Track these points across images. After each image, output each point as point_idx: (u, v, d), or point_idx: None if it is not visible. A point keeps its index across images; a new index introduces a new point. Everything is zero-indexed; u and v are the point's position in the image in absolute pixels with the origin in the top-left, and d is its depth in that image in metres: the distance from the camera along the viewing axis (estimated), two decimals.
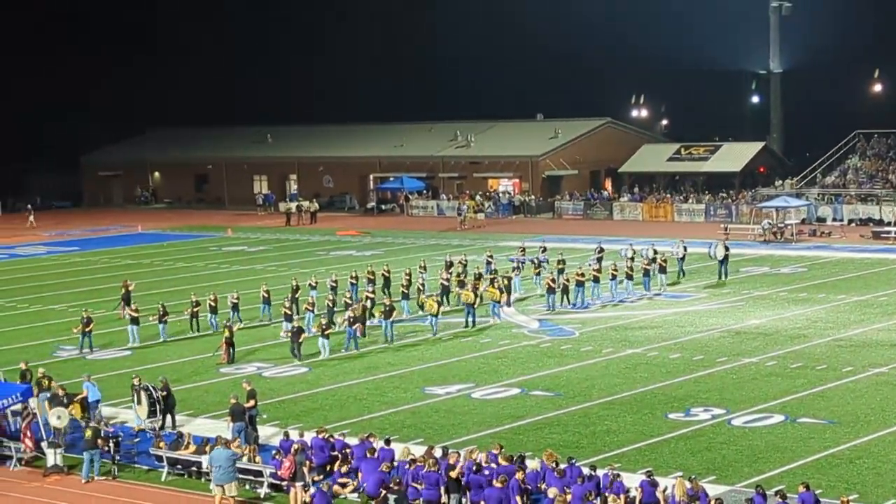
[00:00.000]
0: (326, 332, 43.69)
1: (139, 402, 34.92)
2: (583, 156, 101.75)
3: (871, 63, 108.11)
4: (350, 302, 49.05)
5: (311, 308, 47.79)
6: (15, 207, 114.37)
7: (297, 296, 50.17)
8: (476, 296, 48.92)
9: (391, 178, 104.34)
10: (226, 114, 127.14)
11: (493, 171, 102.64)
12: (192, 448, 30.38)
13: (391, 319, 46.04)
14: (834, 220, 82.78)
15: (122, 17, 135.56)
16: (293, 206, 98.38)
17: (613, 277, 54.29)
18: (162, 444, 31.04)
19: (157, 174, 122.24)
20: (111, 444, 31.31)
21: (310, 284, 53.21)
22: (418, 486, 27.03)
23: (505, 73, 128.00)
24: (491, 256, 61.50)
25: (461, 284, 52.32)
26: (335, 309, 48.42)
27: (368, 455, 28.71)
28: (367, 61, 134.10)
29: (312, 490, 27.07)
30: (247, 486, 29.26)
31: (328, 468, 29.43)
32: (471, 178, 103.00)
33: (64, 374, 39.89)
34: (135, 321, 46.74)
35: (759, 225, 77.23)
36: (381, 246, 77.49)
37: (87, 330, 45.15)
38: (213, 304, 48.66)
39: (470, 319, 48.36)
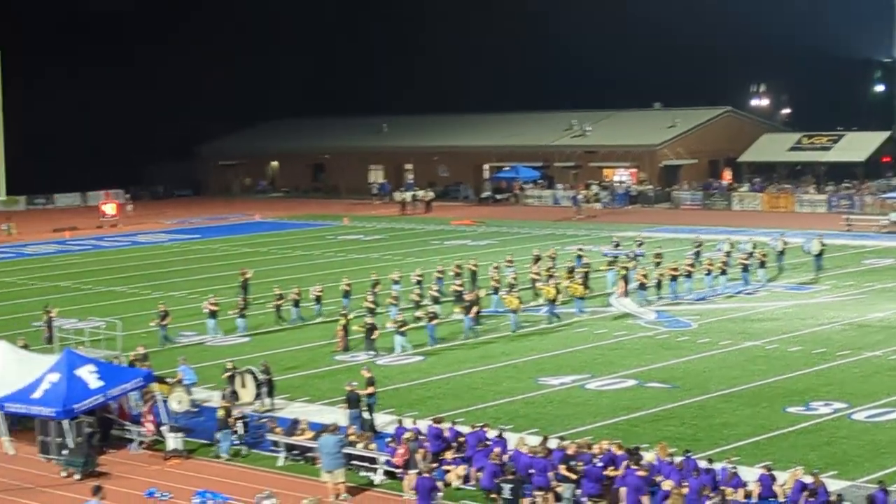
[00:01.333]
0: (402, 329, 42.80)
1: (243, 385, 35.35)
2: (701, 145, 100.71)
3: None
4: (437, 295, 48.93)
5: (394, 302, 47.04)
6: (137, 196, 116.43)
7: (376, 290, 49.28)
8: (557, 291, 48.06)
9: (506, 168, 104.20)
10: (342, 103, 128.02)
11: (610, 160, 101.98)
12: (309, 434, 30.61)
13: (471, 314, 45.07)
14: None
15: (240, 6, 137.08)
16: (408, 195, 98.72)
17: (708, 273, 53.04)
18: (278, 429, 31.31)
19: (274, 163, 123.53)
20: (240, 425, 31.98)
21: (392, 279, 52.50)
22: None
23: (622, 61, 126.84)
24: (581, 250, 59.69)
25: (544, 280, 51.04)
26: (421, 303, 47.69)
27: (480, 447, 28.71)
28: (482, 50, 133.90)
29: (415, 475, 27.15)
30: (361, 473, 29.41)
31: (441, 457, 29.43)
32: (586, 167, 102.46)
33: (173, 360, 40.35)
34: (213, 315, 46.29)
35: (884, 216, 75.76)
36: (495, 235, 77.42)
37: (163, 323, 44.53)
38: (296, 297, 48.24)
39: (551, 315, 47.23)
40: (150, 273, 65.07)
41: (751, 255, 55.85)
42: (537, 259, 56.64)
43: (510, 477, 26.33)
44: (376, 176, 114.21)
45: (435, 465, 28.90)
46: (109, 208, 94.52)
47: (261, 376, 35.44)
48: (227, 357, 39.25)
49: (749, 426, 32.66)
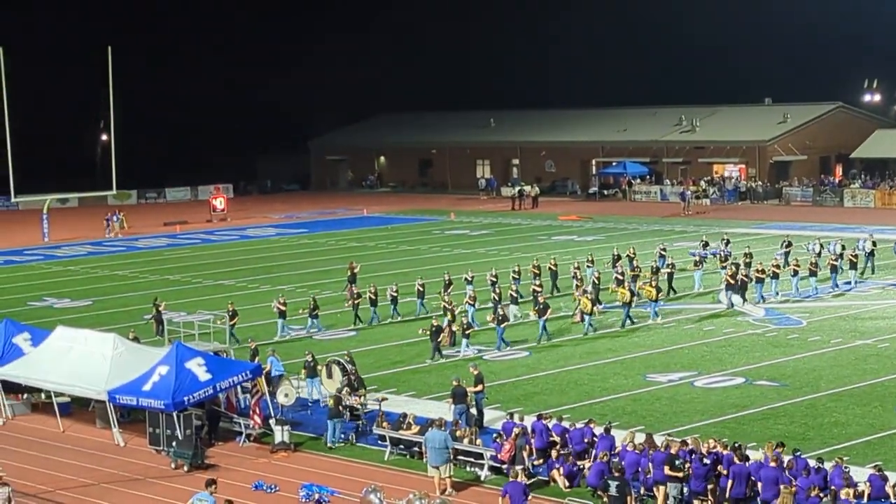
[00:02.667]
0: (467, 332, 42.33)
1: (329, 376, 35.62)
2: (812, 141, 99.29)
3: None
4: (515, 295, 47.99)
5: (472, 302, 46.28)
6: (246, 191, 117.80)
7: (450, 290, 48.29)
8: (632, 294, 46.89)
9: (613, 163, 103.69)
10: (450, 98, 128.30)
11: (719, 156, 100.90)
12: (415, 429, 30.72)
13: (545, 318, 43.82)
14: None
15: (348, 3, 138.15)
16: (515, 190, 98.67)
17: (795, 273, 51.66)
18: (385, 423, 31.48)
19: (382, 158, 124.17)
20: (348, 414, 32.71)
21: (465, 279, 51.17)
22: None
23: (732, 56, 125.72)
24: (664, 250, 57.64)
25: (618, 282, 49.38)
26: (501, 303, 46.65)
27: (587, 443, 28.64)
28: (589, 45, 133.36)
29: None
30: (467, 469, 29.46)
31: (547, 453, 29.36)
32: (695, 163, 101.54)
33: (291, 353, 40.78)
34: (282, 314, 46.17)
35: None
36: (602, 231, 77.08)
37: (232, 323, 43.54)
38: (372, 296, 47.91)
39: (626, 319, 46.03)
40: (258, 267, 65.79)
41: (840, 255, 54.49)
42: (617, 258, 55.39)
43: (616, 475, 26.21)
44: (483, 171, 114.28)
45: (540, 461, 28.87)
46: (219, 202, 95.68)
47: (348, 366, 35.67)
48: (333, 352, 39.52)
49: (860, 426, 32.19)
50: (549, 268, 53.25)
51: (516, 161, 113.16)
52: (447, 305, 45.10)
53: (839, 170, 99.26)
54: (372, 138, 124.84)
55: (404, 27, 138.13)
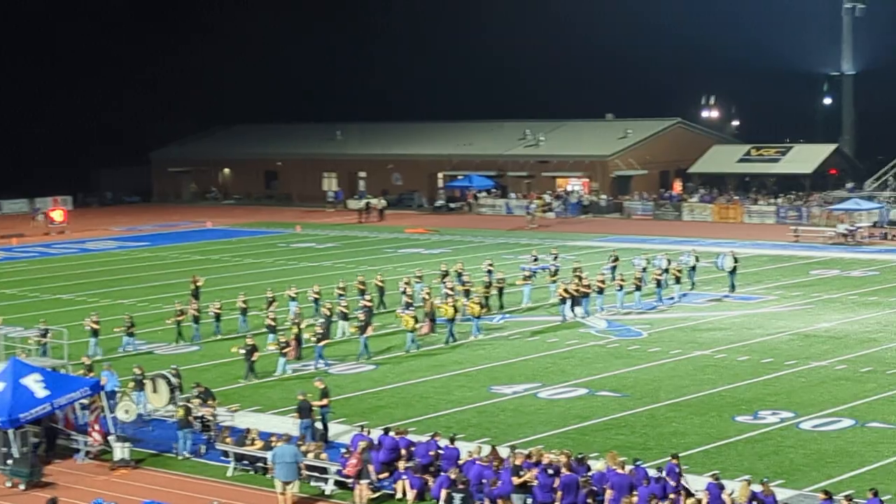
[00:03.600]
0: (285, 351, 41.19)
1: (155, 390, 35.29)
2: (652, 156, 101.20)
3: None
4: (347, 312, 46.83)
5: (328, 313, 45.22)
6: (85, 202, 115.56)
7: (272, 307, 47.26)
8: (455, 310, 45.86)
9: (460, 177, 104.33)
10: (297, 111, 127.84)
11: (562, 170, 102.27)
12: (259, 444, 30.50)
13: (365, 335, 43.31)
14: None
15: (196, 15, 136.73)
16: (362, 203, 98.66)
17: (620, 288, 51.60)
18: (228, 439, 31.20)
19: (226, 170, 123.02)
20: (199, 424, 32.59)
21: (289, 296, 49.77)
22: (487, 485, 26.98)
23: (575, 72, 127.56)
24: (491, 265, 56.48)
25: (444, 297, 48.48)
26: (332, 319, 45.44)
27: (432, 455, 28.74)
28: (437, 59, 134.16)
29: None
30: (311, 483, 29.34)
31: (393, 467, 29.37)
32: (539, 176, 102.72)
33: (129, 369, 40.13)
34: (95, 333, 45.00)
35: (831, 228, 76.50)
36: (448, 244, 77.47)
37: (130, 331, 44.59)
38: (217, 311, 47.50)
39: (449, 336, 45.31)
40: (98, 281, 64.64)
41: (666, 270, 54.53)
42: (445, 274, 54.13)
43: (461, 487, 26.35)
44: (330, 184, 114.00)
45: (386, 474, 28.88)
46: (57, 215, 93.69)
47: (174, 380, 35.41)
48: (180, 365, 39.00)
49: (698, 435, 32.87)
50: (376, 284, 52.28)
51: (363, 174, 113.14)
52: (271, 322, 44.46)
53: (678, 184, 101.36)
54: (216, 150, 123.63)
55: (251, 38, 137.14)
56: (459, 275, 53.99)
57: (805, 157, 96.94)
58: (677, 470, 26.61)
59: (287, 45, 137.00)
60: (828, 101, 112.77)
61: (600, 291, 51.08)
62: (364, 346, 43.26)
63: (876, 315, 49.69)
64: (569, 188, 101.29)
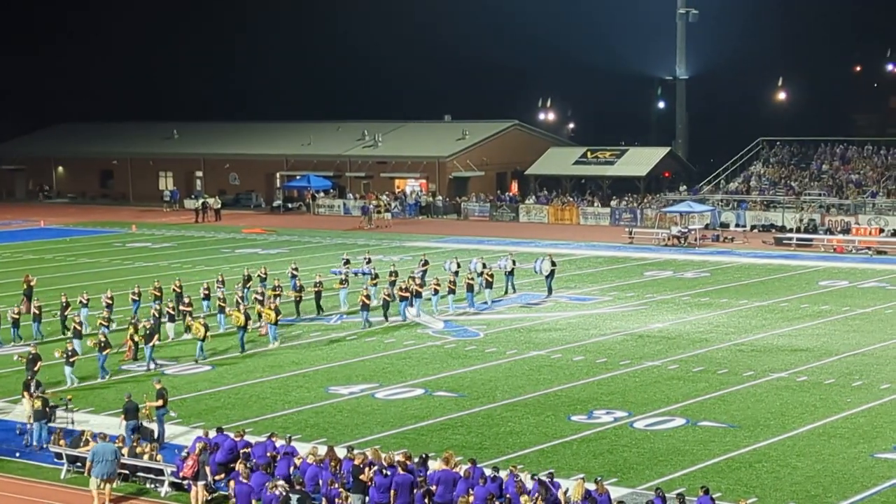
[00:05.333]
0: (72, 360, 38.96)
1: None
2: (490, 157, 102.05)
3: (775, 71, 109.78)
4: (135, 319, 44.93)
5: (105, 324, 43.32)
6: None
7: (66, 313, 46.44)
8: (247, 318, 44.38)
9: (298, 177, 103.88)
10: (132, 109, 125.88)
11: (400, 171, 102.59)
12: (93, 444, 30.01)
13: (151, 344, 41.53)
14: (737, 225, 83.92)
15: (32, 7, 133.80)
16: (198, 202, 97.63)
17: (435, 292, 51.66)
18: (62, 441, 30.64)
19: (60, 169, 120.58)
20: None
21: (81, 301, 47.69)
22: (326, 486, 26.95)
23: (413, 73, 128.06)
24: (296, 269, 55.88)
25: (236, 304, 47.33)
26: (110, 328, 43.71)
27: (269, 456, 28.60)
28: (273, 59, 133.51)
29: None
30: (147, 485, 29.00)
31: (230, 467, 29.15)
32: (378, 177, 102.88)
33: None
34: (37, 319, 46.26)
35: (664, 230, 78.10)
36: (286, 244, 77.12)
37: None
38: (36, 311, 46.57)
39: (242, 345, 44.01)
40: None
41: (480, 274, 54.28)
42: (248, 279, 52.79)
43: (298, 488, 26.28)
44: (166, 183, 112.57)
45: (222, 475, 28.64)
46: None
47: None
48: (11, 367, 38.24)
49: (534, 434, 33.26)
50: (174, 290, 50.16)
51: (200, 173, 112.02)
52: (77, 326, 43.06)
53: (515, 186, 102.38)
54: (50, 148, 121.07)
55: (86, 34, 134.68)
56: (262, 279, 53.12)
57: (639, 160, 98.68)
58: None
59: (126, 42, 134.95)
60: (661, 104, 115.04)
61: (418, 295, 50.54)
62: (149, 356, 41.51)
63: (707, 315, 50.86)
64: (407, 189, 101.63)
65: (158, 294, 49.96)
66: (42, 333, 46.70)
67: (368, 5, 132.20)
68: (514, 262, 57.94)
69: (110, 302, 47.76)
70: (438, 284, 52.62)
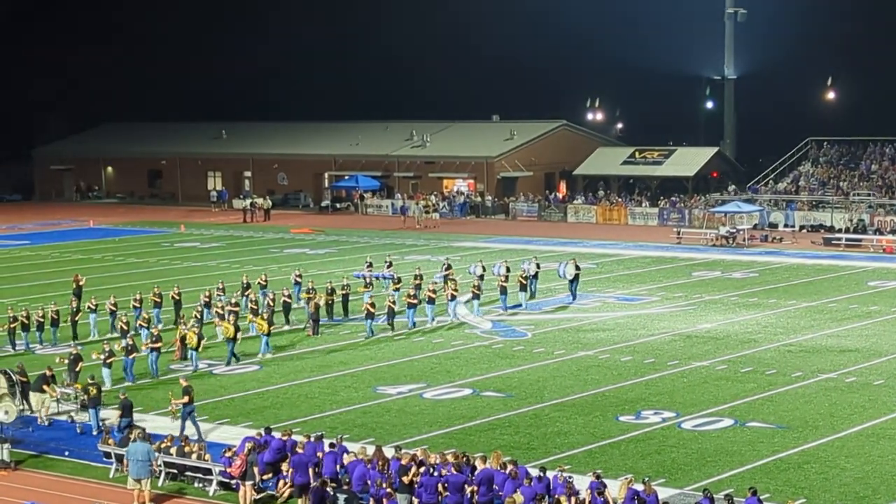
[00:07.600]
0: (109, 361, 38.70)
1: None
2: (538, 158, 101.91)
3: (824, 71, 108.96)
4: (126, 327, 44.11)
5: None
6: None
7: (77, 318, 46.52)
8: (237, 329, 42.88)
9: (346, 177, 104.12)
10: (181, 109, 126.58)
11: (448, 171, 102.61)
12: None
13: (131, 357, 39.86)
14: (785, 225, 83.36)
15: (81, 9, 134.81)
16: (247, 203, 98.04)
17: (452, 298, 49.90)
18: (110, 440, 30.85)
19: (109, 169, 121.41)
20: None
21: (88, 307, 47.37)
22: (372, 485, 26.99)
23: (462, 74, 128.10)
24: (300, 276, 54.84)
25: (220, 316, 45.91)
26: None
27: (319, 455, 28.68)
28: (324, 59, 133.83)
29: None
30: (196, 485, 29.16)
31: (277, 467, 29.25)
32: (426, 177, 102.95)
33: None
34: (93, 311, 46.80)
35: (712, 230, 77.76)
36: (334, 244, 77.32)
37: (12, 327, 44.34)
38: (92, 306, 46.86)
39: (232, 355, 42.59)
40: None
41: (507, 277, 53.13)
42: (247, 287, 51.45)
43: (345, 488, 26.34)
44: (214, 183, 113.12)
45: (269, 475, 28.74)
46: None
47: (15, 377, 35.08)
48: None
49: (582, 435, 33.21)
50: (172, 297, 49.53)
51: (248, 173, 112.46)
52: (124, 326, 43.46)
53: (563, 186, 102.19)
54: (99, 148, 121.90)
55: (135, 36, 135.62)
56: (262, 286, 52.56)
57: (687, 160, 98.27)
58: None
59: (175, 42, 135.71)
60: (710, 104, 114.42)
61: (431, 302, 49.16)
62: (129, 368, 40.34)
63: (756, 316, 50.60)
64: (455, 189, 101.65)
65: (158, 301, 48.95)
66: (98, 330, 46.99)
67: (417, 5, 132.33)
68: (538, 266, 56.85)
69: (114, 309, 47.48)
70: (456, 290, 50.65)
